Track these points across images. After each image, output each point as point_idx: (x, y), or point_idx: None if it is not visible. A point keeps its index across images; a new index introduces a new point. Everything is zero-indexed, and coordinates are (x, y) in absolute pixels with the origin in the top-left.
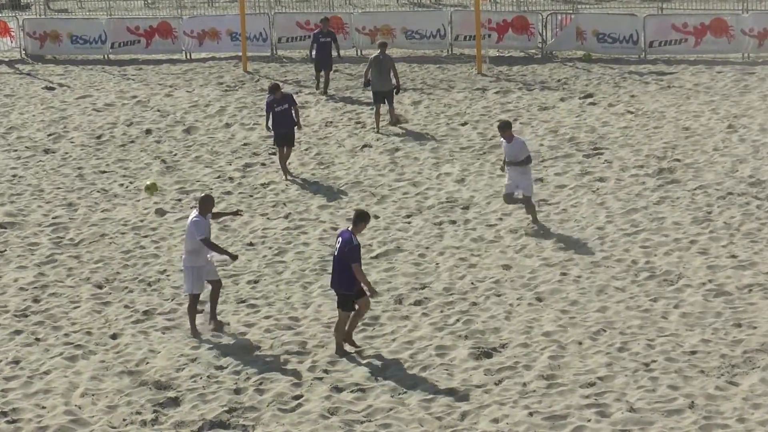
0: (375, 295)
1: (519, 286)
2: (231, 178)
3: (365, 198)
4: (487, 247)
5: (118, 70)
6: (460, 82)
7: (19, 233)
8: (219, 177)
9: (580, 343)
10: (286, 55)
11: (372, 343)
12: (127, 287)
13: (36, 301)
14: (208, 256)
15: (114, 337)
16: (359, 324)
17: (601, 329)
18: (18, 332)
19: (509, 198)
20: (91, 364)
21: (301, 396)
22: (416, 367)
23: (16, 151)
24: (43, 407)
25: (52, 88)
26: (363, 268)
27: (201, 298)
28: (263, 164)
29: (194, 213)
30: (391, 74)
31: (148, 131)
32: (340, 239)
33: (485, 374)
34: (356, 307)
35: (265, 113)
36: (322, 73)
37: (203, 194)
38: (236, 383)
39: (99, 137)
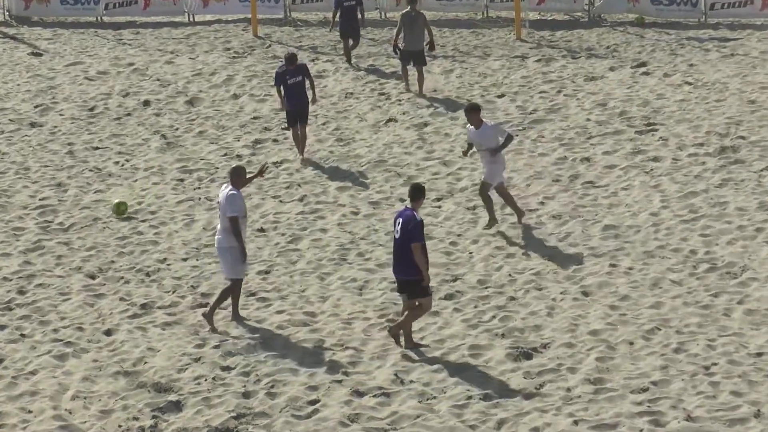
0: (427, 284)
1: (563, 278)
2: (239, 156)
3: (389, 179)
4: (526, 234)
5: (113, 34)
6: (496, 48)
7: (2, 217)
8: (225, 155)
9: (632, 343)
10: (301, 17)
11: (377, 341)
12: (122, 278)
13: (21, 292)
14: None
15: (108, 333)
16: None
17: (655, 328)
18: (1, 327)
19: (483, 189)
20: (82, 364)
21: (318, 401)
22: (447, 369)
23: None
24: (30, 411)
25: (39, 54)
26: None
27: (205, 290)
28: (275, 140)
29: (228, 187)
30: (425, 32)
31: (147, 103)
32: (400, 220)
33: (525, 377)
34: (416, 302)
35: (276, 86)
36: (351, 41)
37: (235, 165)
38: (245, 386)
39: (91, 109)
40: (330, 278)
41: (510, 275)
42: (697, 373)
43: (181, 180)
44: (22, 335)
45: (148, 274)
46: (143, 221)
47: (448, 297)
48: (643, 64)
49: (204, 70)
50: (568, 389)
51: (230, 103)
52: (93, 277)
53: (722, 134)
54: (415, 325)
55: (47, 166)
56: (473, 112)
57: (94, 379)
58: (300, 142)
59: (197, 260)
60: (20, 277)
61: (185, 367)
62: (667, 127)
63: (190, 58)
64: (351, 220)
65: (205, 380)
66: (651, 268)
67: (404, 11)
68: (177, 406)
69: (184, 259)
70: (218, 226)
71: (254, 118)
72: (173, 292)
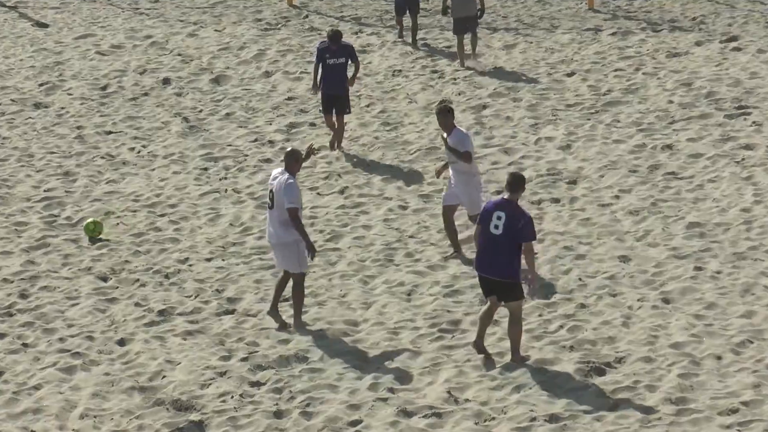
0: (535, 287)
1: (640, 283)
2: (271, 142)
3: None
4: (599, 232)
5: (128, 2)
6: (565, 20)
7: (2, 210)
8: (256, 140)
9: (719, 358)
10: None
11: (451, 354)
12: (138, 280)
13: (23, 296)
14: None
15: (121, 343)
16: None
17: (746, 340)
18: (1, 336)
19: (446, 212)
20: (92, 378)
21: (360, 421)
22: (507, 386)
23: None
24: (32, 431)
25: (45, 25)
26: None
27: (231, 294)
28: (312, 124)
29: (285, 174)
30: None
31: (166, 81)
32: (502, 214)
33: (596, 396)
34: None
35: (314, 63)
36: (407, 16)
37: (290, 149)
38: (277, 404)
39: (104, 88)
40: (374, 282)
41: (580, 279)
42: None
43: (205, 169)
44: (24, 345)
45: (167, 276)
46: (162, 216)
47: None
48: (734, 39)
49: (232, 43)
50: (647, 410)
51: (261, 81)
52: (105, 279)
53: None
54: (470, 336)
55: (53, 153)
56: (445, 114)
57: (106, 396)
58: (336, 134)
59: (223, 260)
60: (22, 279)
61: (209, 383)
62: (762, 110)
63: (215, 30)
64: (398, 215)
65: (232, 397)
66: (742, 272)
67: None
68: (199, 427)
69: (208, 260)
70: (271, 218)
71: (288, 98)
72: (195, 297)
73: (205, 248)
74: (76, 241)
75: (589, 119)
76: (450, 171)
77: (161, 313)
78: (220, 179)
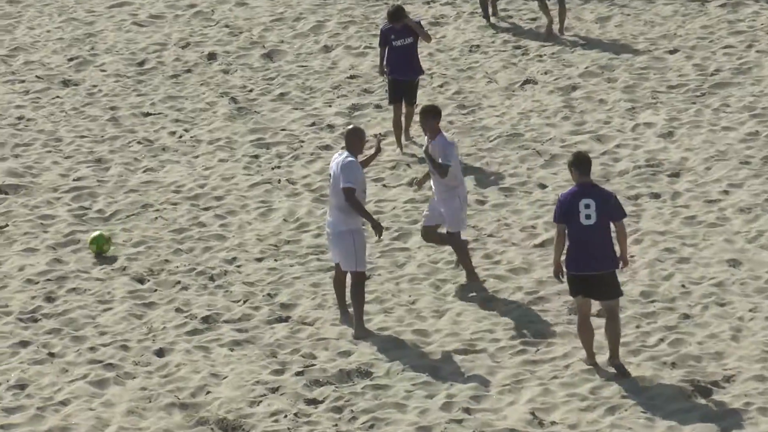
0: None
1: (753, 291)
2: (331, 126)
3: (526, 158)
4: (706, 233)
5: None
6: None
7: (27, 201)
8: (313, 124)
9: None
10: None
11: (536, 370)
12: (179, 282)
13: (49, 299)
14: None
15: (160, 353)
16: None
17: None
18: (24, 344)
19: (426, 233)
20: (127, 392)
21: None
22: (599, 407)
23: (22, 82)
24: None
25: None
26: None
27: (285, 300)
28: (378, 106)
29: (344, 153)
30: None
31: (212, 56)
32: (590, 201)
33: (701, 420)
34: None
35: (378, 46)
36: None
37: (352, 126)
38: (336, 425)
39: (141, 64)
40: (447, 287)
41: (683, 286)
42: None
43: (256, 157)
44: (51, 354)
45: (211, 278)
46: (206, 209)
47: (603, 314)
48: None
49: (286, 14)
50: None
51: (320, 57)
52: (141, 281)
53: None
54: (557, 350)
55: (84, 137)
56: (429, 115)
57: (142, 413)
58: (405, 122)
59: (275, 261)
60: (48, 280)
61: (259, 400)
62: None
63: None
64: (476, 211)
65: (285, 417)
66: None
67: None
68: None
69: (259, 259)
70: (329, 207)
71: (351, 77)
72: (244, 302)
73: (255, 247)
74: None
75: (694, 103)
76: (432, 182)
77: (205, 320)
78: (273, 168)
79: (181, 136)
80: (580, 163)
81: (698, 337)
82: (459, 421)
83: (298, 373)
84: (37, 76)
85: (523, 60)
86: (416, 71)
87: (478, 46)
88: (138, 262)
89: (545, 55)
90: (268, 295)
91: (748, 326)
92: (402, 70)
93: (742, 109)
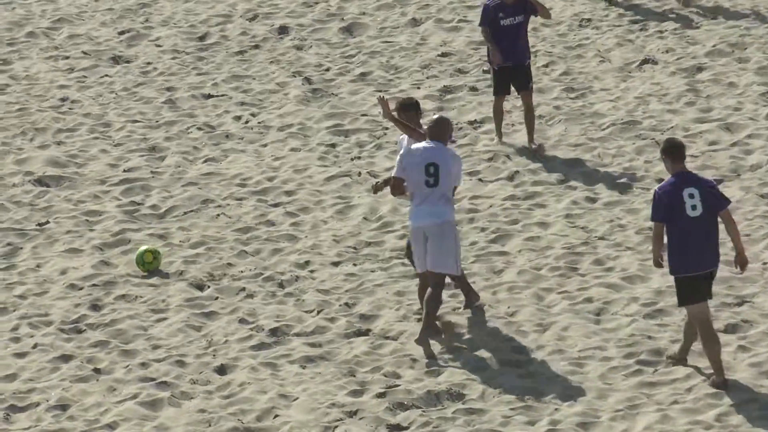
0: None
1: None
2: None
3: (643, 149)
4: None
5: None
6: None
7: (70, 195)
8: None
9: None
10: None
11: (653, 393)
12: (243, 289)
13: (95, 307)
14: None
15: (221, 370)
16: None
17: None
18: (66, 358)
19: (409, 250)
20: (183, 415)
21: None
22: None
23: (66, 58)
24: None
25: None
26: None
27: (365, 310)
28: (473, 88)
29: (438, 143)
30: None
31: (283, 30)
32: (693, 190)
33: None
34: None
35: (482, 25)
36: None
37: (438, 116)
38: None
39: (202, 38)
40: (551, 297)
41: None
42: None
43: (333, 145)
44: (96, 371)
45: (281, 285)
46: (275, 206)
47: (731, 329)
48: None
49: None
50: None
51: (407, 31)
52: (201, 288)
53: None
54: (679, 371)
55: (136, 122)
56: (408, 109)
57: None
58: (526, 121)
59: (354, 265)
60: (94, 285)
61: (334, 425)
62: None
63: None
64: (585, 209)
65: None
66: None
67: None
68: None
69: (335, 264)
70: (430, 197)
71: (442, 54)
72: (318, 313)
73: (331, 249)
74: (164, 236)
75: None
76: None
77: (273, 332)
78: (352, 159)
79: (247, 122)
80: (675, 149)
81: None
82: None
83: (380, 395)
84: (83, 52)
85: (641, 36)
86: (527, 54)
87: (589, 20)
88: (197, 265)
89: (666, 30)
90: (346, 304)
91: None
92: (509, 54)
93: None
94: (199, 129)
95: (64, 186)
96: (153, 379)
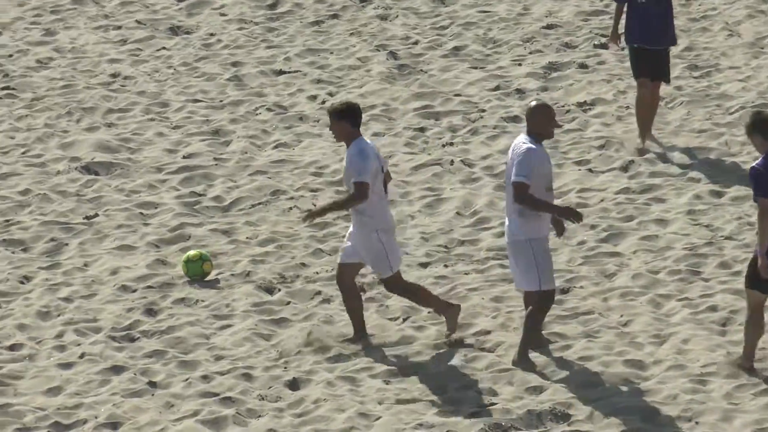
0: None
1: None
2: (520, 91)
3: None
4: None
5: None
6: None
7: (123, 185)
8: (497, 88)
9: None
10: None
11: (745, 416)
12: (318, 293)
13: (150, 312)
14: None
15: (294, 385)
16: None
17: None
18: (117, 370)
19: (342, 273)
20: None
21: None
22: None
23: (118, 29)
24: None
25: None
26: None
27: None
28: (582, 66)
29: (523, 138)
30: None
31: None
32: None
33: None
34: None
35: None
36: None
37: (536, 103)
38: None
39: (272, 6)
40: (670, 304)
41: None
42: None
43: (422, 130)
44: (152, 384)
45: (361, 289)
46: None
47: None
48: None
49: None
50: None
51: (508, 1)
52: (270, 291)
53: None
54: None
55: (197, 102)
56: (339, 115)
57: None
58: (646, 114)
59: (446, 266)
60: (149, 287)
61: None
62: None
63: None
64: (709, 205)
65: None
66: None
67: None
68: None
69: (424, 265)
70: (506, 207)
71: (547, 26)
72: (404, 320)
73: (419, 248)
74: (228, 232)
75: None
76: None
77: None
78: (444, 146)
79: (323, 102)
80: (765, 125)
81: None
82: None
83: (474, 414)
84: (137, 21)
85: None
86: (670, 38)
87: None
88: (266, 265)
89: None
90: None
91: None
92: (647, 35)
93: None
94: (269, 110)
95: (116, 174)
96: (216, 395)
